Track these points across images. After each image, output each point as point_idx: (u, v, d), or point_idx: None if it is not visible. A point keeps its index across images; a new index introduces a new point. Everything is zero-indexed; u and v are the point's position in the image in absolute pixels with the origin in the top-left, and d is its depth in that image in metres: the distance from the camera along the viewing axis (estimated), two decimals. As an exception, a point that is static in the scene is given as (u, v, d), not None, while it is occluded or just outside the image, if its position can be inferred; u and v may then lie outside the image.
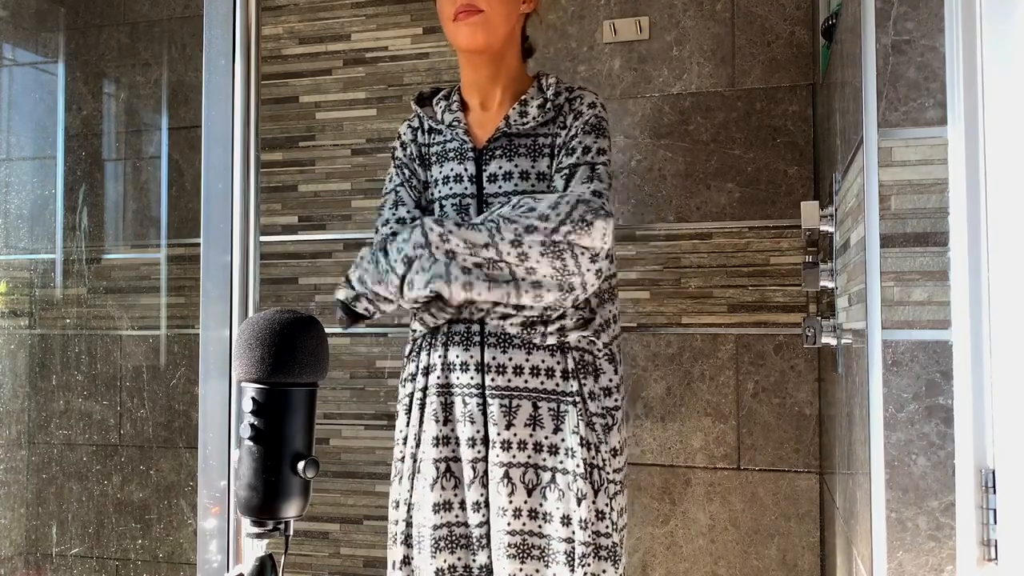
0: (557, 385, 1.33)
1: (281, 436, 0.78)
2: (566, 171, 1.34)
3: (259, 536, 0.80)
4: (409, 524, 1.38)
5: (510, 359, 1.33)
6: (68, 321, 2.37)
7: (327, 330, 0.82)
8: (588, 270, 1.26)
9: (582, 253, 1.25)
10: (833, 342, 1.44)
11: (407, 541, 1.37)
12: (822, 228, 1.50)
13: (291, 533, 0.80)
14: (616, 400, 1.37)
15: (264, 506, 0.78)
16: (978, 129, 0.89)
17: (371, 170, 2.19)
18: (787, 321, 1.88)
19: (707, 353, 1.93)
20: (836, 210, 1.40)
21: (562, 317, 1.32)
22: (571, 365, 1.33)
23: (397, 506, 1.39)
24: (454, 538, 1.34)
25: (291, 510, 0.79)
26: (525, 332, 1.31)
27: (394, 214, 1.42)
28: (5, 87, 2.48)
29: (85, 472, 2.33)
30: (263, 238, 2.21)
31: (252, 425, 0.77)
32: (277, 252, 2.24)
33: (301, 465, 0.77)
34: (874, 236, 0.97)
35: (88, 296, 2.36)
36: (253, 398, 0.77)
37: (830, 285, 1.48)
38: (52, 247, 2.39)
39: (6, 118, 2.49)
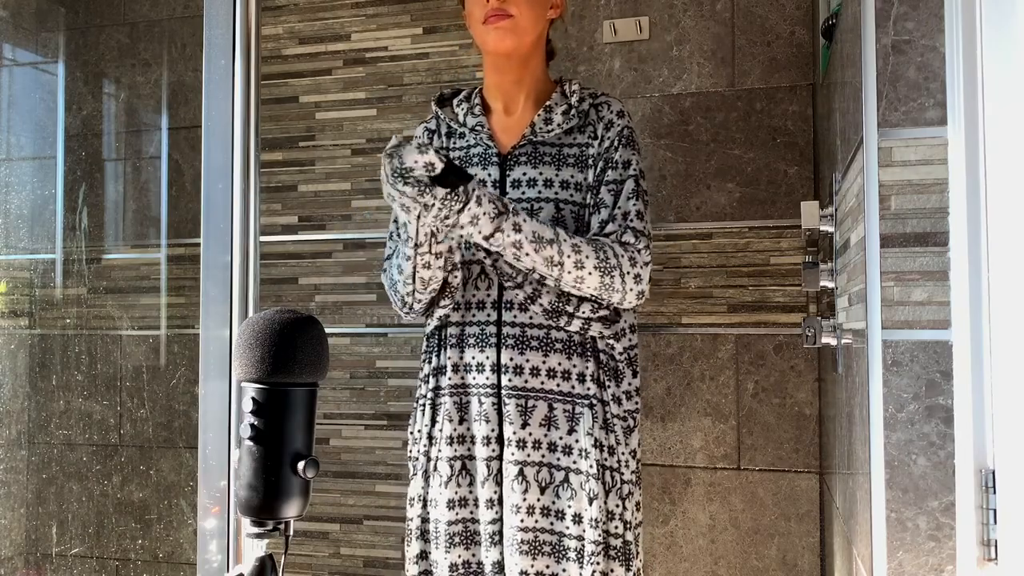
0: (573, 388, 1.35)
1: (281, 436, 0.78)
2: (613, 187, 1.36)
3: (259, 536, 0.80)
4: (425, 520, 1.40)
5: (527, 360, 1.34)
6: (68, 321, 2.37)
7: (327, 330, 0.82)
8: (631, 289, 1.31)
9: (633, 277, 1.31)
10: (833, 342, 1.44)
11: (424, 536, 1.41)
12: (822, 228, 1.50)
13: (291, 533, 0.80)
14: (636, 403, 1.40)
15: (264, 506, 0.78)
16: (978, 129, 0.89)
17: (371, 170, 2.19)
18: (787, 321, 1.88)
19: (707, 353, 1.93)
20: (836, 210, 1.40)
21: (586, 302, 1.32)
22: (589, 369, 1.35)
23: (413, 503, 1.42)
24: (468, 534, 1.37)
25: (291, 510, 0.79)
26: (552, 311, 1.31)
27: (397, 229, 1.46)
28: (5, 87, 2.48)
29: (85, 472, 2.33)
30: (263, 238, 2.21)
31: (252, 425, 0.77)
32: (277, 252, 2.24)
33: (301, 465, 0.77)
34: (874, 236, 0.97)
35: (88, 296, 2.36)
36: (253, 398, 0.77)
37: (830, 285, 1.48)
38: (52, 247, 2.39)
39: (6, 118, 2.49)
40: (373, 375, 2.17)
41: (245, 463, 0.78)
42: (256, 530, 0.79)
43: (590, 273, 1.27)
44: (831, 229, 1.45)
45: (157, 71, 2.35)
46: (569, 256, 1.25)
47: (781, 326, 1.89)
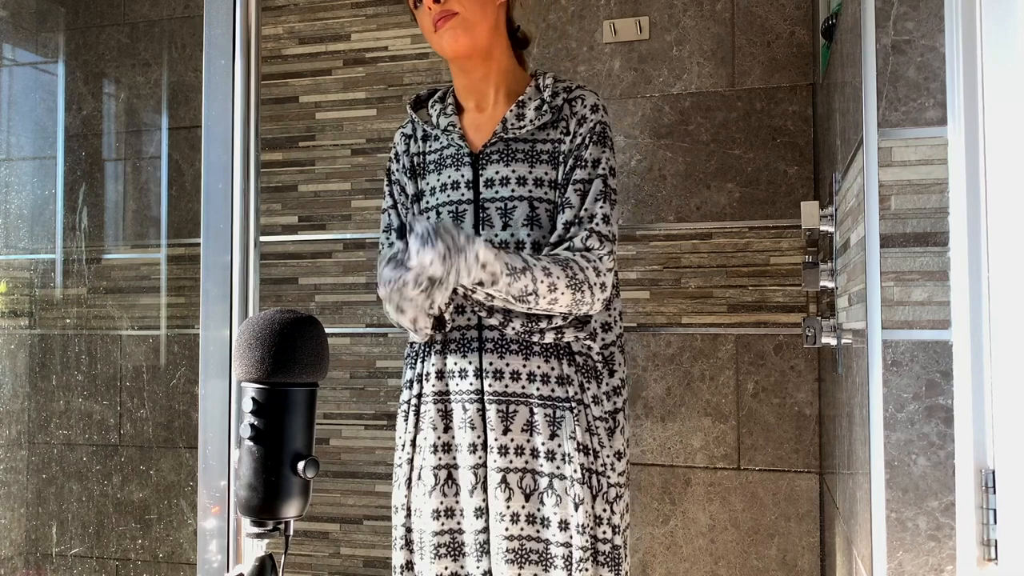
0: (553, 391, 1.32)
1: (281, 436, 0.78)
2: (580, 186, 1.32)
3: (259, 536, 0.80)
4: (409, 530, 1.38)
5: (507, 364, 1.32)
6: (68, 321, 2.37)
7: (327, 330, 0.82)
8: (598, 299, 1.30)
9: (600, 287, 1.30)
10: (833, 342, 1.44)
11: (408, 546, 1.38)
12: (822, 228, 1.50)
13: (291, 533, 0.80)
14: (615, 403, 1.36)
15: (264, 506, 0.78)
16: (978, 129, 0.89)
17: (371, 170, 2.19)
18: (787, 321, 1.88)
19: (707, 353, 1.93)
20: (836, 210, 1.40)
21: (555, 316, 1.31)
22: (568, 370, 1.32)
23: (397, 511, 1.39)
24: (455, 545, 1.34)
25: (291, 510, 0.79)
26: (525, 331, 1.30)
27: (388, 238, 1.45)
28: (5, 87, 2.48)
29: (85, 472, 2.33)
30: (263, 238, 2.22)
31: (252, 425, 0.77)
32: (277, 252, 2.24)
33: (301, 465, 0.77)
34: (874, 236, 0.97)
35: (88, 296, 2.36)
36: (253, 398, 0.77)
37: (830, 285, 1.48)
38: (52, 247, 2.39)
39: (6, 118, 2.49)
40: (373, 375, 2.17)
41: (245, 463, 0.78)
42: (256, 530, 0.79)
43: (563, 293, 1.25)
44: (831, 229, 1.45)
45: (157, 71, 2.35)
46: (542, 282, 1.23)
47: (781, 326, 1.89)
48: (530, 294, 1.23)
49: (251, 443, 0.77)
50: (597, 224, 1.31)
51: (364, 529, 2.16)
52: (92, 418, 2.33)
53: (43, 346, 2.38)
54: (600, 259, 1.29)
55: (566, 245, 1.30)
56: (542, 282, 1.23)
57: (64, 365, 2.36)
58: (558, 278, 1.24)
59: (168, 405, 2.29)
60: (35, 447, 2.37)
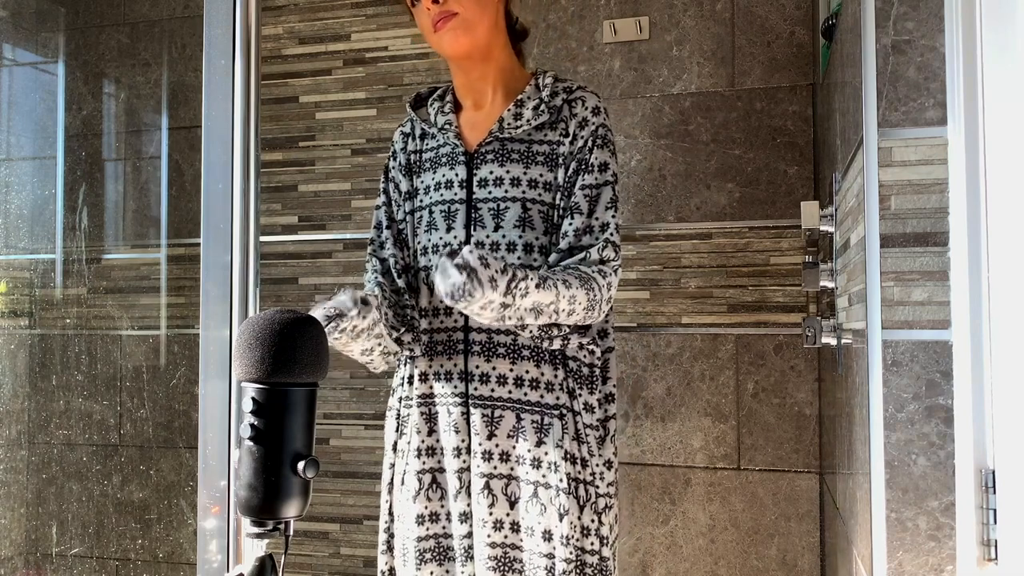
0: (541, 397, 1.29)
1: (281, 436, 0.78)
2: (588, 191, 1.30)
3: (259, 536, 0.80)
4: (391, 535, 1.36)
5: (494, 368, 1.29)
6: (68, 321, 2.37)
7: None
8: (604, 311, 1.30)
9: (607, 300, 1.29)
10: (833, 342, 1.44)
11: (390, 551, 1.37)
12: (822, 228, 1.50)
13: (291, 533, 0.80)
14: (607, 411, 1.34)
15: (264, 506, 0.78)
16: (978, 129, 0.89)
17: (371, 170, 2.19)
18: (787, 321, 1.88)
19: (707, 353, 1.93)
20: (836, 210, 1.40)
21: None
22: (559, 376, 1.30)
23: (382, 515, 1.38)
24: (440, 550, 1.32)
25: (291, 510, 0.79)
26: (539, 338, 1.28)
27: (379, 235, 1.43)
28: (5, 87, 2.48)
29: (85, 472, 2.33)
30: (263, 238, 2.22)
31: (252, 425, 0.77)
32: (277, 252, 2.24)
33: (301, 465, 0.77)
34: (874, 236, 0.97)
35: (88, 296, 2.36)
36: (253, 398, 0.77)
37: (830, 285, 1.48)
38: (52, 247, 2.39)
39: (6, 118, 2.49)
40: (373, 375, 2.17)
41: (245, 463, 0.78)
42: (256, 530, 0.79)
43: (578, 313, 1.24)
44: (831, 229, 1.45)
45: (157, 71, 2.35)
46: (564, 309, 1.22)
47: (781, 326, 1.89)
48: (550, 316, 1.22)
49: (251, 443, 0.77)
50: (611, 234, 1.30)
51: (364, 529, 2.16)
52: (92, 418, 2.33)
53: (43, 346, 2.38)
54: (615, 272, 1.29)
55: (582, 256, 1.28)
56: (564, 309, 1.22)
57: (64, 365, 2.36)
58: (580, 303, 1.23)
59: (168, 405, 2.29)
60: (35, 447, 2.37)
